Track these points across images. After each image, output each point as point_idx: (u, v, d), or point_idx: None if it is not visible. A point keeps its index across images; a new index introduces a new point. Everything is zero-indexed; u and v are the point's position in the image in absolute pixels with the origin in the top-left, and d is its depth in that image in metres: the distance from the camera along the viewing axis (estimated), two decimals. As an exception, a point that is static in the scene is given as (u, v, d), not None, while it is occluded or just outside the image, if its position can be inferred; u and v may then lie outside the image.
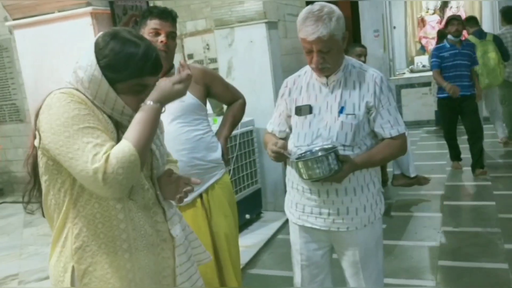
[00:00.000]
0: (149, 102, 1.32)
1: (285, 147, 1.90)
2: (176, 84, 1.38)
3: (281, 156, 1.89)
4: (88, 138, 1.22)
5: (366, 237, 1.96)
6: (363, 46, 4.72)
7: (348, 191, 1.89)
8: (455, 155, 5.53)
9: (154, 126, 1.31)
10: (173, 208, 1.55)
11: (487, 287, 2.97)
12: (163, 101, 1.34)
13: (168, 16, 2.18)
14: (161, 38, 2.13)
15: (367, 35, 8.23)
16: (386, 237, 3.75)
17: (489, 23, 7.91)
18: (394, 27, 8.65)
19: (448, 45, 5.18)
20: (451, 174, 5.33)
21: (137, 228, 1.38)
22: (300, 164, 1.80)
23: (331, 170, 1.75)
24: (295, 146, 1.96)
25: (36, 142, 1.32)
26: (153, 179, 1.47)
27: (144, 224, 1.40)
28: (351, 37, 8.74)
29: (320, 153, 1.82)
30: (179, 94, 1.39)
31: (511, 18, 6.14)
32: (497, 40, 5.81)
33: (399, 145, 1.93)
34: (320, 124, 1.90)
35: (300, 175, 1.83)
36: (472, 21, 6.12)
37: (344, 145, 1.86)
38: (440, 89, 5.27)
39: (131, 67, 1.32)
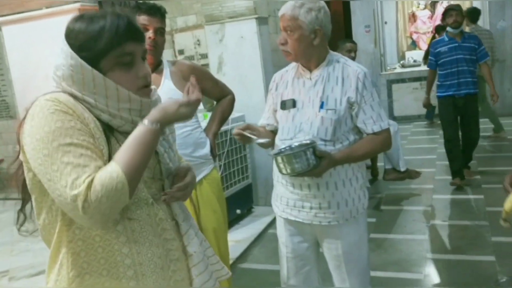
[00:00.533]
0: (146, 122, 1.15)
1: (249, 128, 1.92)
2: (183, 107, 1.21)
3: (244, 137, 1.91)
4: (69, 158, 1.06)
5: (349, 231, 1.98)
6: (353, 42, 4.75)
7: (330, 185, 1.91)
8: (456, 170, 4.68)
9: (149, 150, 1.14)
10: (189, 220, 1.36)
11: (474, 279, 3.01)
12: (163, 123, 1.18)
13: (156, 12, 2.18)
14: (149, 34, 2.13)
15: (358, 31, 8.26)
16: (376, 231, 3.84)
17: (485, 17, 7.93)
18: (386, 23, 8.67)
19: (446, 39, 4.68)
20: (441, 168, 5.37)
21: (142, 251, 1.20)
22: (279, 159, 1.82)
23: (310, 165, 1.77)
24: (279, 139, 1.99)
25: (21, 156, 1.19)
26: (164, 189, 1.30)
27: (150, 245, 1.21)
28: (342, 33, 8.78)
29: (298, 149, 1.83)
30: (184, 117, 1.23)
31: (475, 18, 6.42)
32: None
33: (382, 141, 1.94)
34: (302, 118, 1.92)
35: (280, 170, 1.85)
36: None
37: (324, 140, 1.88)
38: (440, 87, 4.75)
39: (105, 37, 1.17)
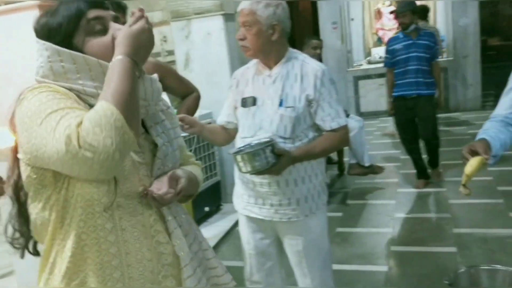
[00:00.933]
0: (113, 59, 1.09)
1: (182, 120, 1.94)
2: (133, 25, 1.13)
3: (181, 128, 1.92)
4: (63, 116, 1.01)
5: (309, 227, 2.01)
6: (319, 39, 4.80)
7: (289, 182, 1.94)
8: (418, 170, 4.65)
9: (128, 79, 1.06)
10: (178, 218, 1.27)
11: (436, 270, 3.11)
12: (128, 51, 1.09)
13: (118, 8, 2.16)
14: None
15: (325, 27, 8.33)
16: (341, 225, 3.91)
17: (444, 16, 8.13)
18: (352, 19, 8.78)
19: (401, 36, 4.51)
20: (405, 163, 5.49)
21: (132, 252, 1.14)
22: (238, 158, 1.83)
23: (269, 163, 1.79)
24: (240, 137, 2.00)
25: (19, 155, 1.13)
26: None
27: (141, 247, 1.16)
28: (310, 29, 8.84)
29: (257, 147, 1.84)
30: (140, 33, 1.12)
31: (424, 15, 6.59)
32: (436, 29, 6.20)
33: (340, 137, 1.98)
34: (262, 116, 1.94)
35: (240, 168, 1.86)
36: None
37: (284, 138, 1.90)
38: (396, 86, 4.57)
39: (66, 14, 1.15)
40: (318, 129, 1.98)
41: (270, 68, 1.97)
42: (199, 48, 4.40)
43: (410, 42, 4.41)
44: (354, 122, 4.80)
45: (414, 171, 4.72)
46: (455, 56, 7.81)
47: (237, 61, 4.49)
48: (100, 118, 0.98)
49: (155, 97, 1.24)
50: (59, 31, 1.15)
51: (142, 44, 1.12)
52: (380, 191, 4.69)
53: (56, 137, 0.99)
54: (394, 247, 3.47)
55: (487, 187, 4.22)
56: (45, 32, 1.16)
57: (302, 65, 1.95)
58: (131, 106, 1.05)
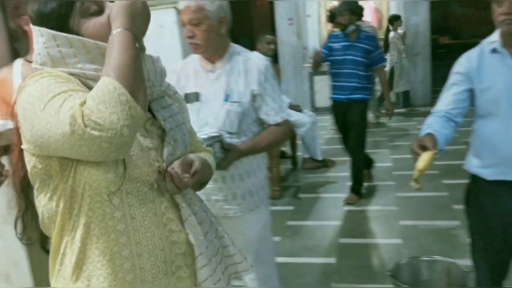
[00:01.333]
0: (111, 34, 1.04)
1: None
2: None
3: None
4: (66, 98, 0.96)
5: (253, 221, 2.02)
6: (273, 34, 4.83)
7: (235, 177, 1.94)
8: (355, 182, 4.30)
9: (128, 51, 1.00)
10: (193, 205, 1.21)
11: (382, 261, 3.20)
12: (125, 23, 1.04)
13: None
14: None
15: (281, 23, 8.39)
16: (293, 218, 3.96)
17: (400, 12, 8.31)
18: (309, 16, 8.85)
19: (341, 35, 4.16)
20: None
21: (142, 241, 1.10)
22: None
23: (217, 158, 1.78)
24: None
25: (23, 146, 1.07)
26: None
27: (152, 236, 1.11)
28: (268, 26, 8.87)
29: (206, 142, 1.84)
30: (135, 2, 1.07)
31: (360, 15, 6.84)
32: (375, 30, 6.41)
33: (284, 131, 2.00)
34: (207, 111, 1.92)
35: None
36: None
37: (230, 133, 1.90)
38: (332, 88, 4.33)
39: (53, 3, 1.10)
40: (261, 123, 1.99)
41: (213, 63, 1.95)
42: (152, 42, 4.29)
43: (348, 43, 4.09)
44: (306, 118, 4.88)
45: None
46: (406, 54, 8.02)
47: (190, 54, 4.44)
48: (104, 94, 0.93)
49: (158, 77, 1.19)
50: (52, 15, 1.09)
51: (138, 14, 1.06)
52: (332, 185, 4.77)
53: (60, 119, 0.94)
54: (343, 239, 3.55)
55: (433, 180, 4.36)
56: (38, 17, 1.10)
57: (246, 60, 1.94)
58: (135, 78, 0.99)
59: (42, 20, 1.10)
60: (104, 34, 1.07)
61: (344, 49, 4.09)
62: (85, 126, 0.92)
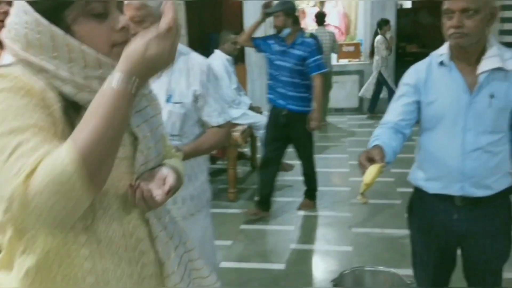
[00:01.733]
0: (108, 81, 0.86)
1: None
2: (153, 43, 0.88)
3: None
4: (20, 143, 0.80)
5: (194, 226, 1.96)
6: (237, 34, 4.76)
7: None
8: (260, 198, 4.02)
9: (117, 115, 0.84)
10: (165, 217, 1.12)
11: (332, 268, 3.18)
12: (132, 76, 0.86)
13: None
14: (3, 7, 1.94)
15: (249, 22, 8.31)
16: (247, 222, 3.90)
17: (367, 18, 8.38)
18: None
19: (279, 39, 3.78)
20: (317, 161, 5.60)
21: (109, 268, 0.97)
22: None
23: None
24: None
25: None
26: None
27: (120, 261, 0.98)
28: (238, 25, 8.78)
29: None
30: (162, 61, 0.89)
31: (321, 20, 7.17)
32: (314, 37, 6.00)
33: (226, 133, 1.97)
34: None
35: None
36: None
37: (172, 135, 1.83)
38: (268, 87, 4.00)
39: None
40: (202, 124, 1.93)
41: None
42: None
43: (283, 48, 3.74)
44: (266, 119, 4.82)
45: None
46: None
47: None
48: (55, 178, 0.77)
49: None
50: None
51: (156, 67, 0.90)
52: (288, 188, 4.74)
53: (6, 176, 0.78)
54: (294, 245, 3.51)
55: (388, 188, 4.39)
56: None
57: (188, 59, 1.88)
58: (106, 156, 0.84)
59: None
60: (98, 44, 0.95)
61: (280, 54, 3.75)
62: (20, 207, 0.77)
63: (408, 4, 10.43)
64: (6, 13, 1.94)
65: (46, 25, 0.91)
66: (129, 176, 1.00)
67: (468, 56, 1.74)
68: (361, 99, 8.15)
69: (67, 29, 0.93)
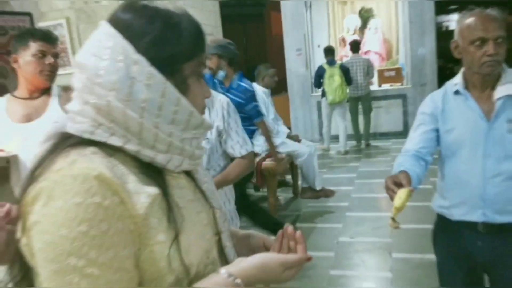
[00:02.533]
0: (236, 280, 0.83)
1: None
2: (288, 270, 0.92)
3: None
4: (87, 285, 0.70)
5: None
6: (272, 67, 4.98)
7: None
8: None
9: None
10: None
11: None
12: (248, 281, 0.85)
13: (53, 38, 2.24)
14: (49, 60, 2.18)
15: (290, 54, 8.58)
16: (286, 249, 3.96)
17: (406, 43, 8.40)
18: (319, 46, 9.01)
19: (218, 79, 3.41)
20: (358, 187, 5.63)
21: None
22: None
23: None
24: None
25: (23, 240, 0.76)
26: (227, 261, 0.96)
27: None
28: (282, 54, 9.02)
29: None
30: (285, 282, 0.93)
31: (356, 49, 7.72)
32: (343, 67, 7.10)
33: (249, 163, 2.13)
34: None
35: None
36: (327, 52, 7.23)
37: None
38: None
39: (190, 33, 0.84)
40: (227, 156, 2.10)
41: None
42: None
43: (223, 91, 3.32)
44: (304, 148, 4.94)
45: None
46: (413, 84, 8.09)
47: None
48: None
49: None
50: (167, 47, 0.81)
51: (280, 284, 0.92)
52: (330, 214, 4.80)
53: None
54: (333, 271, 3.56)
55: (428, 212, 4.34)
56: (142, 35, 0.80)
57: (209, 98, 2.05)
58: None
59: (152, 43, 0.79)
60: (197, 106, 0.87)
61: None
62: None
63: (453, 26, 10.33)
64: (52, 65, 2.20)
65: (161, 80, 0.80)
66: (203, 267, 0.89)
67: (487, 83, 1.78)
68: (405, 123, 8.11)
69: (183, 82, 0.84)
